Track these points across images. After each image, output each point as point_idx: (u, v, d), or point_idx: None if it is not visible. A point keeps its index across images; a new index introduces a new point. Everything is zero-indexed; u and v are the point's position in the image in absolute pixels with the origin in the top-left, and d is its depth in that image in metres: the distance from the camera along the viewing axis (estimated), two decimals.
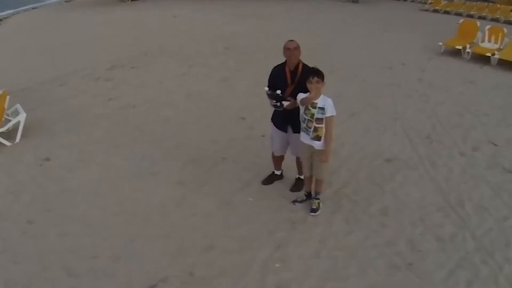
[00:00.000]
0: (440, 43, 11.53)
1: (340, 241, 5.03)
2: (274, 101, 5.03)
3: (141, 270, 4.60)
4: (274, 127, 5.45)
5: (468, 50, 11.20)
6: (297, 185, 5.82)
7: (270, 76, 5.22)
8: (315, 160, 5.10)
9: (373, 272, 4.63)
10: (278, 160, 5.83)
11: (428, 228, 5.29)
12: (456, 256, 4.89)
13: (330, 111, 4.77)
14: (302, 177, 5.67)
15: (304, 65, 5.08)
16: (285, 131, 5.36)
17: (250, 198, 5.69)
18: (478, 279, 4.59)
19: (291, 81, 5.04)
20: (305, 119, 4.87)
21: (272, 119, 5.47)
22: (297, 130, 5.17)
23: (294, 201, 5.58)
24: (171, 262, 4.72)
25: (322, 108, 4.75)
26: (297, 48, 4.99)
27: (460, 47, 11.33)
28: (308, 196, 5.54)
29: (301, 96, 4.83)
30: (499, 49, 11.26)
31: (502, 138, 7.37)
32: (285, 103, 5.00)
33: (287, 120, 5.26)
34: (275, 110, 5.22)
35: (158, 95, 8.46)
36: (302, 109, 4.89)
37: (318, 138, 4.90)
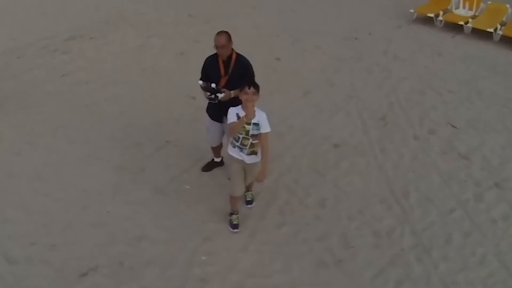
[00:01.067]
0: (412, 10, 10.99)
1: (270, 234, 4.94)
2: (209, 93, 4.85)
3: (74, 258, 4.61)
4: (209, 119, 5.29)
5: (440, 18, 10.76)
6: None
7: (203, 68, 5.03)
8: (249, 173, 4.78)
9: (299, 268, 4.57)
10: (216, 149, 5.69)
11: (365, 221, 5.17)
12: (390, 253, 4.79)
13: (265, 128, 4.42)
14: None
15: (238, 55, 4.88)
16: (221, 121, 5.20)
17: (187, 186, 5.59)
18: (409, 279, 4.51)
19: (224, 72, 4.85)
20: (239, 137, 4.51)
21: (207, 110, 5.30)
22: None
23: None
24: (102, 251, 4.73)
25: (257, 124, 4.40)
26: (228, 40, 4.75)
27: (432, 15, 10.84)
28: None
29: (231, 119, 4.45)
30: (474, 16, 10.88)
31: (463, 119, 7.14)
32: (220, 96, 4.82)
33: (222, 110, 5.08)
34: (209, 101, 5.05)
35: (112, 70, 8.17)
36: None
37: (254, 153, 4.60)
